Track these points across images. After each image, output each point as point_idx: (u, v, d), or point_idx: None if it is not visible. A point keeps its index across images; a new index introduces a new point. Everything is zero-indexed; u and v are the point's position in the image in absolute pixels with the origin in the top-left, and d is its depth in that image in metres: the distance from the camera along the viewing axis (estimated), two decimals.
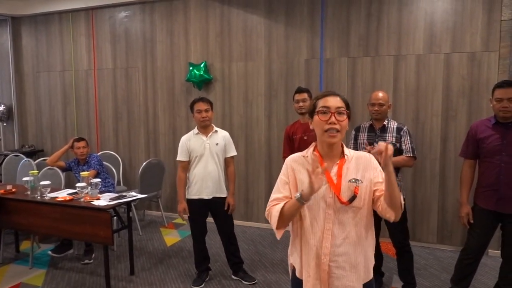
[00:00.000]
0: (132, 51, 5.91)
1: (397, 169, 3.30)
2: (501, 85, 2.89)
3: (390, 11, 4.56)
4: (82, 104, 6.33)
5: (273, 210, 1.71)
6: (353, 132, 3.51)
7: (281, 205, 1.70)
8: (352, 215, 1.68)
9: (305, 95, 3.61)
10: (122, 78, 6.01)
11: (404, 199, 3.30)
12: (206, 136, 3.57)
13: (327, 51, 4.88)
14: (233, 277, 3.78)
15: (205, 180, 3.54)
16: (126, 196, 3.86)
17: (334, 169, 1.71)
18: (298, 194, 1.61)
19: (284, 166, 1.82)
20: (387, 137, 3.32)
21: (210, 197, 3.56)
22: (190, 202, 3.60)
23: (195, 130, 3.62)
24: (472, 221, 3.03)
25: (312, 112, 1.75)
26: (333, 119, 1.66)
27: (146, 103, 5.90)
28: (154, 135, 5.90)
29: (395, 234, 3.33)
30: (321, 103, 1.70)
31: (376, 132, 3.37)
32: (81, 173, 4.03)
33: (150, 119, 5.90)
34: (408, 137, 3.32)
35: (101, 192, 3.98)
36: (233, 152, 3.71)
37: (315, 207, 1.69)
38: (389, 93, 4.55)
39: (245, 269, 3.81)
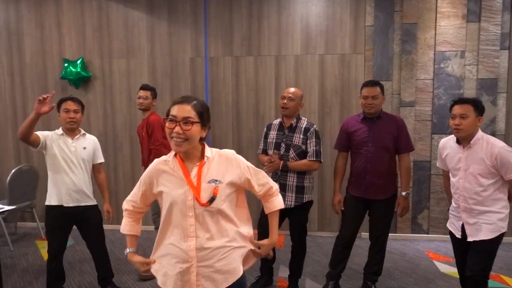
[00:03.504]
0: None
1: (304, 172, 3.23)
2: (366, 84, 3.22)
3: (270, 13, 4.77)
4: None
5: (123, 219, 1.93)
6: (265, 130, 3.47)
7: (125, 222, 1.91)
8: (212, 215, 1.70)
9: (148, 93, 3.80)
10: None
11: (311, 200, 3.33)
12: (72, 139, 3.18)
13: (211, 49, 4.90)
14: None
15: (69, 187, 3.12)
16: None
17: (194, 171, 1.71)
18: (128, 250, 1.89)
19: (150, 165, 1.81)
20: (294, 138, 3.24)
21: (75, 205, 3.15)
22: (50, 209, 3.15)
23: (59, 131, 3.16)
24: (343, 208, 3.31)
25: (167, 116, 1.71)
26: (177, 129, 1.62)
27: (14, 102, 5.28)
28: None
29: (295, 230, 3.35)
30: (171, 110, 1.67)
31: (285, 131, 3.29)
32: None
33: (19, 120, 5.28)
34: (314, 139, 3.22)
35: None
36: (101, 159, 3.41)
37: (176, 211, 1.70)
38: (271, 92, 4.77)
39: (114, 282, 3.50)
